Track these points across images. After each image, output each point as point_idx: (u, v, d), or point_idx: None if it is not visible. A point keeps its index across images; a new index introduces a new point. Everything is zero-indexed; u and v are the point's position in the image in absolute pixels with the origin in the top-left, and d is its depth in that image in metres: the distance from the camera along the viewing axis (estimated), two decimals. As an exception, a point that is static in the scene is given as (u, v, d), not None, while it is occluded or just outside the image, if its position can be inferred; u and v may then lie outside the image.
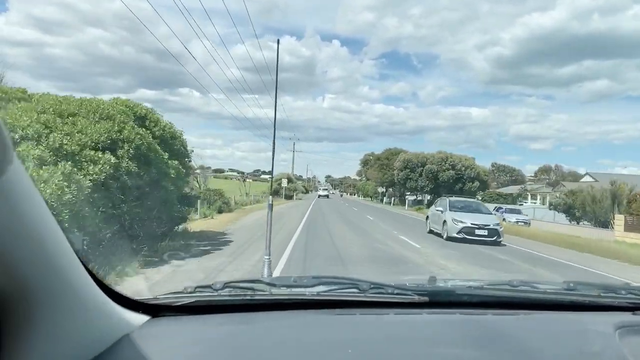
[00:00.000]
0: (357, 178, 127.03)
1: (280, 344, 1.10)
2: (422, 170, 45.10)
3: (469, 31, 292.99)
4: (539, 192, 61.87)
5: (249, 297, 1.31)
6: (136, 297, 1.21)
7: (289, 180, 59.55)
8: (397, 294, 1.37)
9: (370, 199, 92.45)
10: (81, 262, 0.92)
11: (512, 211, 35.12)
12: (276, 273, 7.27)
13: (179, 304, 1.27)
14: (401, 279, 1.68)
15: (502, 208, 35.62)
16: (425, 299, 1.36)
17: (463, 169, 44.10)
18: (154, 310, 1.23)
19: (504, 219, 32.97)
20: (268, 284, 1.45)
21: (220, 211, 27.77)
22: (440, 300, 1.41)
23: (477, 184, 44.41)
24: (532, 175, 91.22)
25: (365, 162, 78.61)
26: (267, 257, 6.19)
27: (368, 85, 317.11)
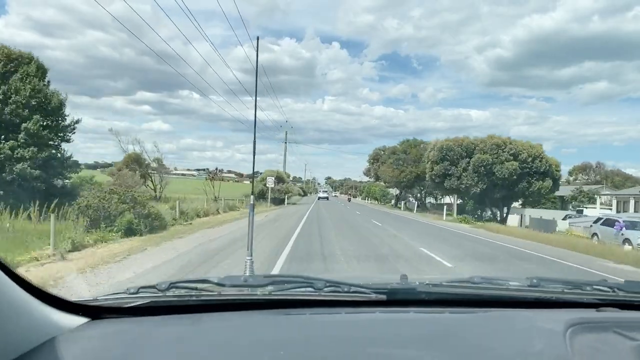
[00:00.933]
0: (361, 179, 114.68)
1: (225, 346, 1.07)
2: (469, 162, 30.95)
3: (469, 32, 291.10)
4: (600, 193, 47.79)
5: (194, 298, 1.28)
6: (73, 299, 1.17)
7: (279, 179, 45.59)
8: (354, 292, 1.34)
9: (377, 202, 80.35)
10: None
11: (634, 226, 20.98)
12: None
13: (121, 305, 1.23)
14: (370, 277, 1.69)
15: (619, 220, 21.40)
16: (383, 297, 1.34)
17: (529, 159, 30.03)
18: (95, 312, 1.19)
19: (626, 240, 19.39)
20: (217, 284, 1.36)
21: (131, 232, 14.06)
22: (399, 298, 1.38)
23: (548, 182, 30.34)
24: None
25: (374, 159, 64.26)
26: (248, 257, 5.85)
27: (368, 87, 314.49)
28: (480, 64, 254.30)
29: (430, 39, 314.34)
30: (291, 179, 64.28)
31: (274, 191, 44.40)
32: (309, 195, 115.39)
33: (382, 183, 68.94)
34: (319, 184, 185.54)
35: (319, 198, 70.13)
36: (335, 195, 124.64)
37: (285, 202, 45.04)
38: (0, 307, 0.88)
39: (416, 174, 50.38)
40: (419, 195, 54.34)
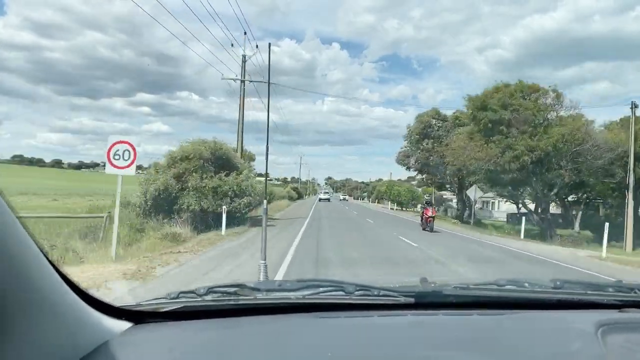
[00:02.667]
0: (369, 179, 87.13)
1: (265, 349, 1.08)
2: None
3: (469, 33, 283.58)
4: None
5: (232, 302, 1.30)
6: (118, 304, 1.19)
7: (219, 163, 17.28)
8: (383, 295, 1.36)
9: (401, 208, 53.78)
10: (54, 267, 0.90)
11: None
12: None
13: (162, 310, 1.25)
14: (391, 280, 1.62)
15: None
16: (411, 300, 1.35)
17: None
18: (137, 317, 1.21)
19: None
20: (252, 288, 1.38)
21: None
22: (427, 301, 1.39)
23: None
24: None
25: (421, 134, 35.55)
26: (262, 262, 5.75)
27: (368, 88, 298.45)
28: (480, 64, 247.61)
29: (430, 40, 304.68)
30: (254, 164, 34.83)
31: (196, 191, 16.14)
32: (306, 197, 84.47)
33: (411, 179, 42.32)
34: (318, 184, 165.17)
35: (320, 199, 65.14)
36: (344, 199, 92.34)
37: (225, 231, 15.41)
38: (60, 312, 0.89)
39: (541, 152, 22.25)
40: (535, 200, 26.08)
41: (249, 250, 10.99)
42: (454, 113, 31.50)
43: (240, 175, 17.98)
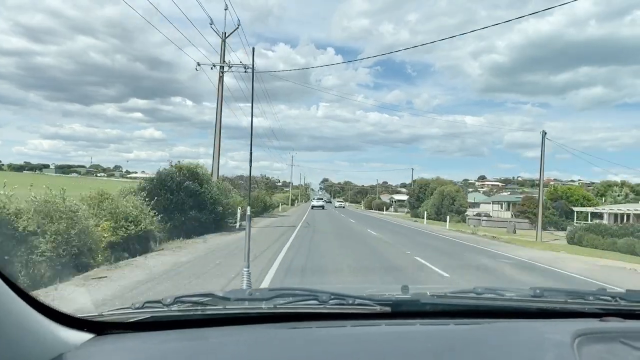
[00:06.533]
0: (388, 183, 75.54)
1: None
2: None
3: (465, 37, 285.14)
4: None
5: (199, 312, 1.25)
6: (79, 315, 1.15)
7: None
8: (358, 304, 1.32)
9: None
10: (3, 278, 0.88)
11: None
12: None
13: (126, 320, 1.21)
14: (370, 289, 1.63)
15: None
16: (388, 309, 1.31)
17: None
18: (99, 327, 1.16)
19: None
20: (222, 297, 1.33)
21: None
22: (404, 310, 1.35)
23: None
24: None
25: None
26: (246, 269, 5.54)
27: (363, 93, 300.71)
28: (475, 69, 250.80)
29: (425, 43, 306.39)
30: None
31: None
32: (289, 207, 61.01)
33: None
34: (312, 189, 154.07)
35: (313, 207, 57.04)
36: (344, 206, 53.03)
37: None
38: (8, 324, 0.86)
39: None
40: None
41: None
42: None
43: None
